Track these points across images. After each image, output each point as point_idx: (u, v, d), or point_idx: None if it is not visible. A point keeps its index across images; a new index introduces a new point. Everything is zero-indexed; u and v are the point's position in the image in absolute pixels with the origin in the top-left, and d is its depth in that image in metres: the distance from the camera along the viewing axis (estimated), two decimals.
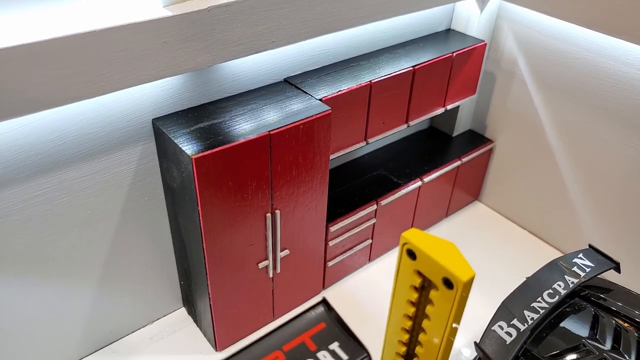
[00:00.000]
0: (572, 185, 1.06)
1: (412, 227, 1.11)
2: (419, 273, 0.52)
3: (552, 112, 1.04)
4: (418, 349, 0.56)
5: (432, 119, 1.21)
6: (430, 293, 0.52)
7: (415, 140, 1.16)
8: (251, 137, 0.71)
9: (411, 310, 0.55)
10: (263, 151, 0.73)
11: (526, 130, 1.10)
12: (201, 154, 0.67)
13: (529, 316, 0.75)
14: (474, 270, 0.48)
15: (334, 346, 0.51)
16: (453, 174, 1.12)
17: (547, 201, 1.11)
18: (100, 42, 0.60)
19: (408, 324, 0.56)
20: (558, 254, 1.11)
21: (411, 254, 0.51)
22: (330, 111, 0.78)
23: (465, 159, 1.11)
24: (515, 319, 0.74)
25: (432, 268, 0.50)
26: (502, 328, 0.73)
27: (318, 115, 0.77)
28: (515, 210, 1.18)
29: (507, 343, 0.71)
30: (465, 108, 1.16)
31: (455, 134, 1.18)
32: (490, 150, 1.18)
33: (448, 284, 0.49)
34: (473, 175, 1.18)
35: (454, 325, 0.50)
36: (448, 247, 0.50)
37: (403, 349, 0.58)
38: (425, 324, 0.54)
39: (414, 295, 0.54)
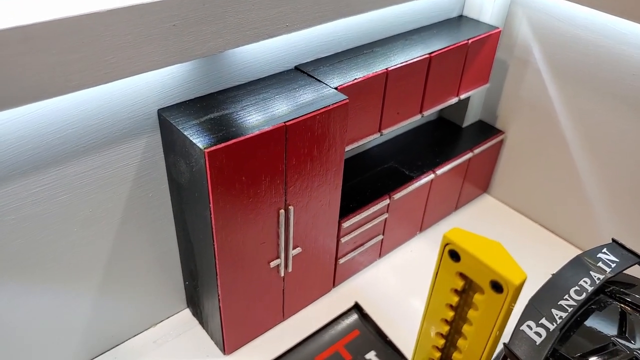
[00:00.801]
0: (587, 177, 1.03)
1: (422, 221, 1.07)
2: (462, 275, 0.48)
3: (567, 102, 1.01)
4: (456, 355, 0.52)
5: (441, 109, 1.17)
6: (473, 297, 0.48)
7: (424, 131, 1.12)
8: (266, 128, 0.66)
9: (450, 314, 0.51)
10: (278, 143, 0.68)
11: (539, 121, 1.07)
12: (214, 147, 0.62)
13: (557, 315, 0.71)
14: (525, 272, 0.44)
15: (371, 355, 0.47)
16: (464, 166, 1.08)
17: (560, 194, 1.08)
18: (104, 25, 0.54)
19: (445, 328, 0.52)
20: (572, 248, 1.09)
21: (454, 255, 0.47)
22: (348, 100, 0.73)
23: (476, 151, 1.08)
24: (544, 318, 0.70)
25: (478, 270, 0.46)
26: (530, 328, 0.69)
27: (335, 105, 0.72)
28: (526, 203, 1.16)
29: (537, 344, 0.68)
30: (475, 98, 1.12)
31: (465, 124, 1.15)
32: (501, 142, 1.15)
33: (497, 287, 0.45)
34: (483, 167, 1.15)
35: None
36: (494, 247, 0.46)
37: (437, 355, 0.55)
38: (466, 329, 0.50)
39: (454, 299, 0.50)
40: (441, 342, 0.54)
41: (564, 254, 1.06)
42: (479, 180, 1.17)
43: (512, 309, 0.45)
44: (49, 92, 0.55)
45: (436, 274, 0.50)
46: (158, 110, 0.69)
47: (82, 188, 0.68)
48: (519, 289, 0.43)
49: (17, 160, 0.61)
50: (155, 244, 0.80)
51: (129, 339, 0.86)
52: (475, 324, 0.49)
